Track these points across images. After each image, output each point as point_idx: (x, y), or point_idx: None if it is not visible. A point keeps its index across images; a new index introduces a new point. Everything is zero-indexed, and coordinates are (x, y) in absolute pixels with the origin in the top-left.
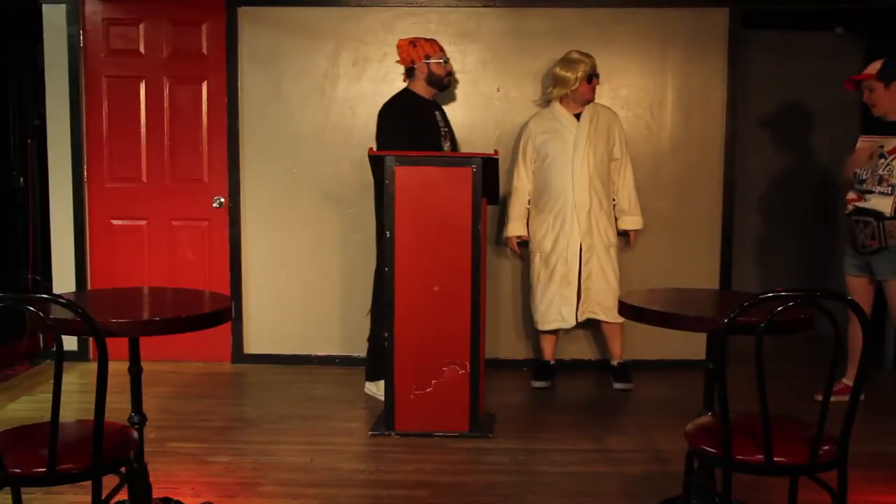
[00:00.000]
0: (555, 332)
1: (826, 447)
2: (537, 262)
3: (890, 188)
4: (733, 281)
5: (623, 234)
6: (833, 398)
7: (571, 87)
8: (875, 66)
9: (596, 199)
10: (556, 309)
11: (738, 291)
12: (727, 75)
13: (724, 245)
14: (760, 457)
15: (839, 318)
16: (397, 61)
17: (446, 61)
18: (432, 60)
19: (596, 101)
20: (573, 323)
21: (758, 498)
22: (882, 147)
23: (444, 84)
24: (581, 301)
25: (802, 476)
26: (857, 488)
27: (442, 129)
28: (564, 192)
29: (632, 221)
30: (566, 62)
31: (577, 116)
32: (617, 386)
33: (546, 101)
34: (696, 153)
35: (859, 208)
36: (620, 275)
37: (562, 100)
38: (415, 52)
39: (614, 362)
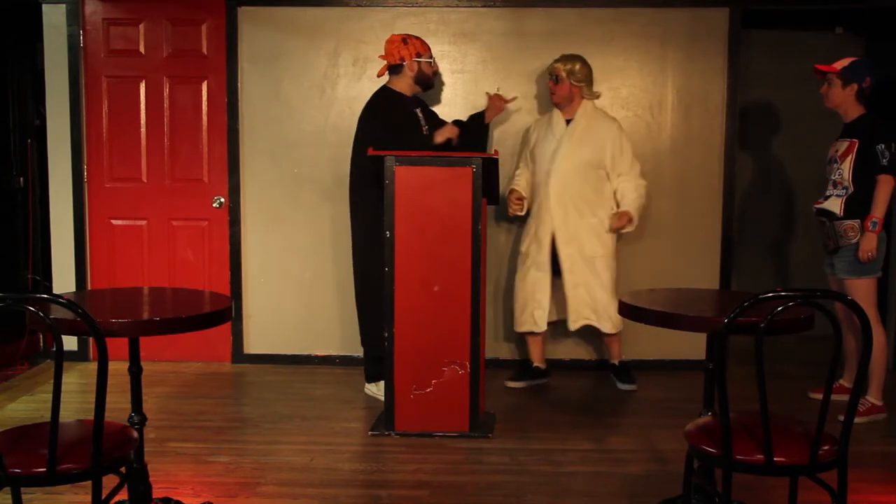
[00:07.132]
0: (535, 335)
1: (826, 447)
2: (519, 264)
3: (844, 190)
4: (733, 281)
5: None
6: (832, 397)
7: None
8: (842, 63)
9: (573, 208)
10: (528, 312)
11: (738, 291)
12: (727, 75)
13: (724, 245)
14: (760, 457)
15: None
16: (381, 56)
17: (434, 61)
18: (423, 59)
19: (598, 106)
20: (544, 328)
21: (758, 498)
22: (837, 151)
23: (431, 84)
24: (569, 310)
25: (802, 476)
26: (857, 488)
27: (423, 128)
28: (541, 196)
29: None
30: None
31: (570, 122)
32: (622, 387)
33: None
34: (696, 153)
35: (818, 209)
36: (621, 276)
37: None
38: (406, 50)
39: (614, 361)
